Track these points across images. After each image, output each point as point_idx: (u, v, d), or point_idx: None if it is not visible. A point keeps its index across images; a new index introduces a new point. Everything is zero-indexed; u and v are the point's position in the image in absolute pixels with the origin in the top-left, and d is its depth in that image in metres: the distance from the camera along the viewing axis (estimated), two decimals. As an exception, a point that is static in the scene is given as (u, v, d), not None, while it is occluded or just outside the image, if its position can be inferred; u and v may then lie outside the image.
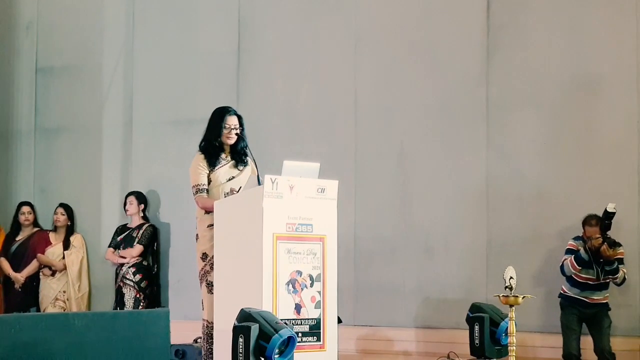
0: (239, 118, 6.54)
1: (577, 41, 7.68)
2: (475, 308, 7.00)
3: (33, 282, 9.14)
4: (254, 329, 5.38)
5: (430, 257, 8.04)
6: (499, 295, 5.74)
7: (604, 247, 7.04)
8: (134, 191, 9.07)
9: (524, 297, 5.67)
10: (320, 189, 6.02)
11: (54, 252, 9.18)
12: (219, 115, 6.53)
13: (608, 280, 7.20)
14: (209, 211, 6.30)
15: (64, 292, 9.11)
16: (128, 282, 8.75)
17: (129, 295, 8.72)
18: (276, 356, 5.42)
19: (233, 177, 6.48)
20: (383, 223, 8.22)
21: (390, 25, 8.35)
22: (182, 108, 9.10)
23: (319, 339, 5.95)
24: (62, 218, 9.29)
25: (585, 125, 7.64)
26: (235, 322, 5.46)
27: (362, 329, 8.18)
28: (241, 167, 6.53)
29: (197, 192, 6.41)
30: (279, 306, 5.77)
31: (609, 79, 7.57)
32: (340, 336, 6.30)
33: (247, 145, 6.56)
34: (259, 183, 6.12)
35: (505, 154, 7.87)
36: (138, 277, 8.77)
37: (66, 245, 9.22)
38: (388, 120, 8.28)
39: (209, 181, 6.43)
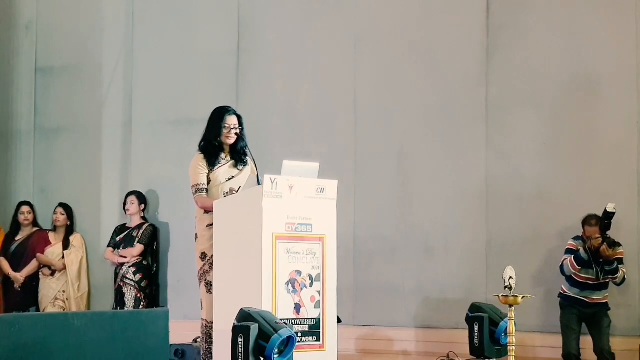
0: (239, 118, 6.53)
1: (577, 41, 7.68)
2: (474, 308, 7.00)
3: (32, 281, 9.14)
4: (254, 329, 5.38)
5: (429, 257, 8.04)
6: (498, 295, 5.74)
7: (604, 247, 7.04)
8: (134, 191, 9.07)
9: (523, 297, 5.67)
10: (319, 188, 6.02)
11: (53, 251, 9.18)
12: (219, 115, 6.52)
13: (608, 280, 7.20)
14: (208, 211, 6.30)
15: (64, 291, 9.11)
16: (128, 281, 8.75)
17: (130, 294, 8.72)
18: (276, 356, 5.42)
19: (232, 177, 6.47)
20: (383, 223, 8.22)
21: (390, 25, 8.35)
22: (181, 108, 9.10)
23: (318, 339, 5.95)
24: (61, 218, 9.29)
25: (585, 125, 7.64)
26: (235, 322, 5.46)
27: (362, 328, 8.18)
28: (241, 167, 6.53)
29: (196, 191, 6.40)
30: (279, 306, 5.77)
31: (609, 79, 7.57)
32: (340, 336, 6.30)
33: (246, 145, 6.56)
34: (259, 183, 6.11)
35: (505, 153, 7.87)
36: (138, 276, 8.77)
37: (66, 245, 9.22)
38: (388, 120, 8.28)
39: (209, 181, 6.43)
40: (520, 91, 7.85)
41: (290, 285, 5.85)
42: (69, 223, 9.30)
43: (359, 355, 8.12)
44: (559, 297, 7.35)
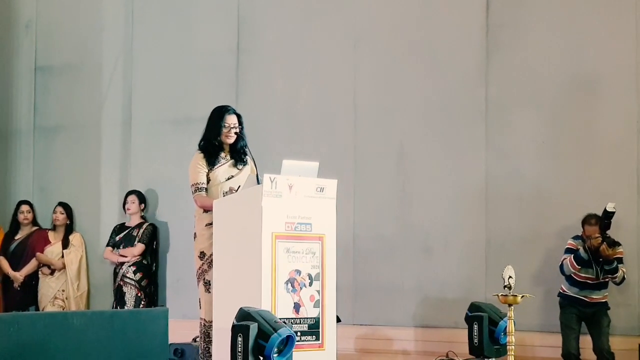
0: (238, 117, 6.53)
1: (577, 41, 7.68)
2: (474, 307, 7.00)
3: (32, 281, 9.14)
4: (253, 328, 5.38)
5: (429, 257, 8.04)
6: (498, 295, 5.73)
7: (604, 246, 7.04)
8: (134, 190, 9.08)
9: (522, 296, 5.66)
10: (319, 188, 6.01)
11: (53, 251, 9.18)
12: (218, 114, 6.52)
13: (607, 280, 7.20)
14: (207, 210, 6.30)
15: (63, 291, 9.11)
16: (129, 280, 8.75)
17: (130, 294, 8.72)
18: (275, 355, 5.41)
19: (232, 177, 6.47)
20: (382, 222, 8.22)
21: (390, 25, 8.35)
22: (181, 107, 9.10)
23: (317, 338, 5.95)
24: (61, 217, 9.29)
25: (585, 125, 7.64)
26: (234, 321, 5.46)
27: (361, 328, 8.18)
28: (240, 166, 6.52)
29: (195, 190, 6.40)
30: (278, 305, 5.77)
31: (609, 79, 7.57)
32: (339, 335, 6.30)
33: (246, 144, 6.55)
34: (258, 182, 6.11)
35: (505, 153, 7.86)
36: (139, 275, 8.77)
37: (65, 244, 9.22)
38: (387, 119, 8.28)
39: (208, 180, 6.43)
40: (520, 91, 7.85)
41: (289, 285, 5.85)
42: (68, 222, 9.30)
43: (358, 354, 8.12)
44: (558, 296, 7.35)
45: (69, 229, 9.30)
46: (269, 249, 5.77)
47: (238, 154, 6.53)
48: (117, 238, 8.96)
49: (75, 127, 9.59)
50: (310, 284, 5.95)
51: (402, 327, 8.06)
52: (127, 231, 8.96)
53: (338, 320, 6.25)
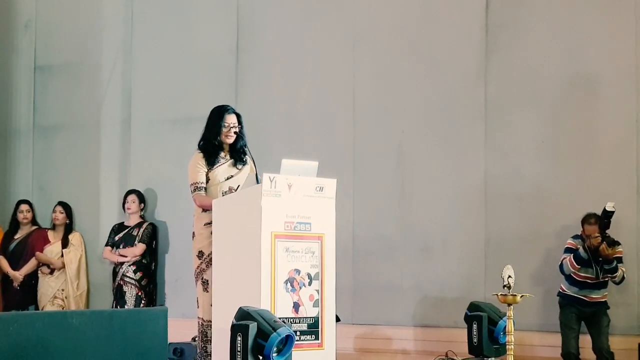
0: (238, 116, 6.53)
1: (577, 41, 7.68)
2: (473, 307, 7.00)
3: (31, 280, 9.14)
4: (252, 328, 5.38)
5: (428, 256, 8.04)
6: (497, 294, 5.73)
7: (603, 245, 7.04)
8: (134, 189, 9.07)
9: (522, 295, 5.66)
10: (318, 187, 6.01)
11: (52, 250, 9.18)
12: (218, 114, 6.52)
13: (607, 279, 7.20)
14: (206, 209, 6.30)
15: (63, 290, 9.11)
16: (129, 280, 8.75)
17: (131, 293, 8.72)
18: (274, 355, 5.41)
19: (232, 176, 6.47)
20: (381, 222, 8.22)
21: (389, 25, 8.35)
22: (180, 106, 9.10)
23: (317, 338, 5.95)
24: (60, 216, 9.29)
25: (584, 125, 7.64)
26: (234, 321, 5.46)
27: (361, 327, 8.18)
28: (240, 166, 6.52)
29: (195, 190, 6.40)
30: (277, 305, 5.76)
31: (608, 79, 7.57)
32: (339, 335, 6.29)
33: (246, 144, 6.55)
34: (258, 181, 6.11)
35: (504, 153, 7.86)
36: (139, 274, 8.77)
37: (65, 243, 9.22)
38: (387, 119, 8.28)
39: (207, 180, 6.42)
40: (519, 90, 7.85)
41: (289, 284, 5.85)
42: (68, 221, 9.30)
43: (357, 354, 8.12)
44: (558, 296, 7.35)
45: (69, 228, 9.31)
46: (269, 249, 5.77)
47: (237, 154, 6.53)
48: (117, 238, 8.96)
49: (75, 126, 9.59)
50: (310, 284, 5.95)
51: (401, 326, 8.06)
52: (126, 231, 8.96)
53: (337, 319, 6.25)
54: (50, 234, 9.28)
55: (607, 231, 7.07)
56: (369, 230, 8.24)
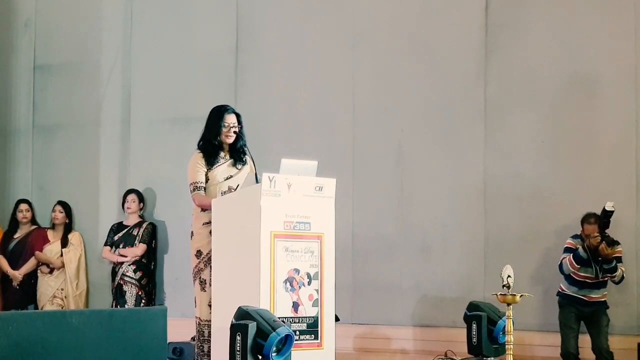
0: (238, 116, 6.53)
1: (576, 41, 7.68)
2: (472, 306, 7.00)
3: (31, 279, 9.14)
4: (252, 327, 5.38)
5: (428, 256, 8.04)
6: (496, 294, 5.74)
7: (603, 245, 7.04)
8: (133, 189, 9.07)
9: (521, 295, 5.67)
10: (318, 187, 6.01)
11: (51, 249, 9.18)
12: (217, 113, 6.51)
13: (606, 279, 7.20)
14: (205, 209, 6.30)
15: (62, 289, 9.11)
16: (129, 279, 8.75)
17: (131, 292, 8.72)
18: (274, 354, 5.41)
19: (231, 176, 6.47)
20: (381, 221, 8.22)
21: (389, 25, 8.35)
22: (180, 106, 9.10)
23: (316, 337, 5.95)
24: (60, 216, 9.29)
25: (584, 125, 7.64)
26: (233, 320, 5.46)
27: (360, 327, 8.18)
28: (239, 166, 6.52)
29: (194, 189, 6.40)
30: (277, 304, 5.76)
31: (607, 79, 7.57)
32: (338, 334, 6.29)
33: (245, 144, 6.55)
34: (257, 181, 6.11)
35: (504, 153, 7.86)
36: (139, 274, 8.78)
37: (64, 243, 9.21)
38: (386, 119, 8.28)
39: (207, 179, 6.42)
40: (519, 90, 7.85)
41: (288, 284, 5.85)
42: (67, 221, 9.30)
43: (357, 353, 8.12)
44: (557, 295, 7.36)
45: (68, 227, 9.30)
46: (268, 248, 5.77)
47: (237, 154, 6.53)
48: (116, 237, 8.96)
49: (74, 126, 9.59)
50: (309, 283, 5.95)
51: (400, 326, 8.06)
52: (125, 230, 8.96)
53: (337, 319, 6.25)
54: (49, 233, 9.28)
55: (606, 231, 7.08)
56: (369, 230, 8.24)
